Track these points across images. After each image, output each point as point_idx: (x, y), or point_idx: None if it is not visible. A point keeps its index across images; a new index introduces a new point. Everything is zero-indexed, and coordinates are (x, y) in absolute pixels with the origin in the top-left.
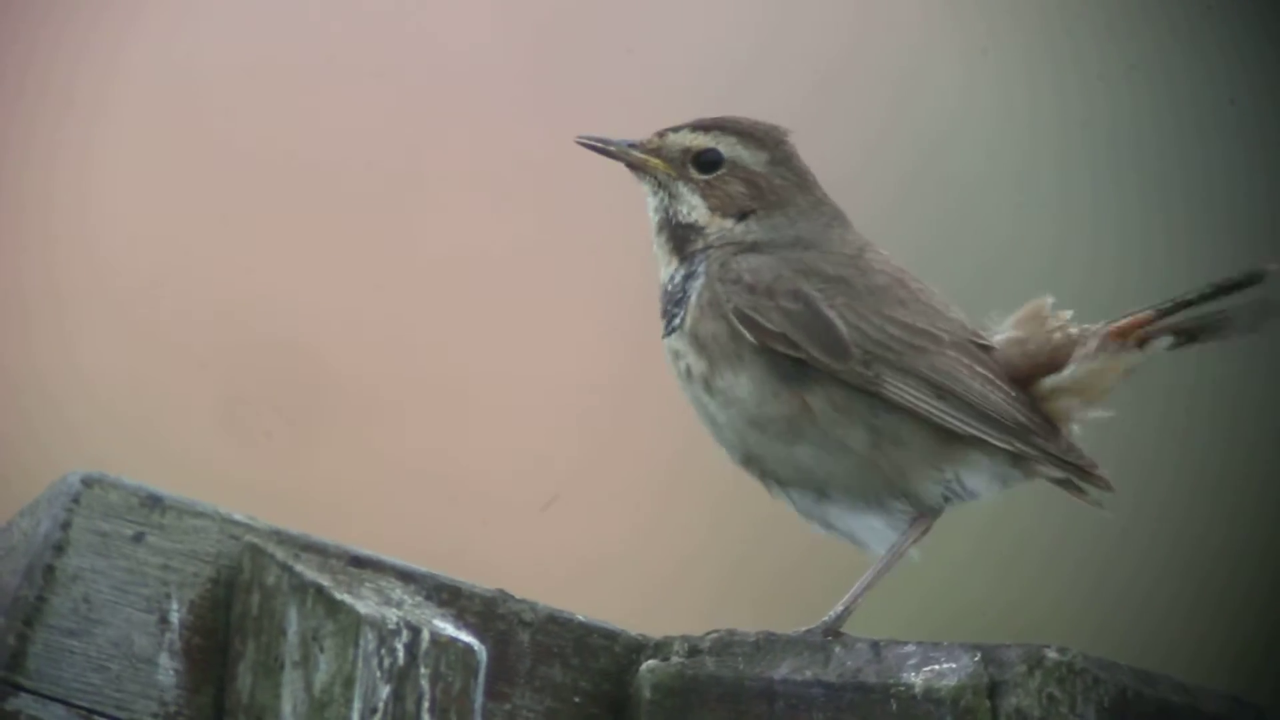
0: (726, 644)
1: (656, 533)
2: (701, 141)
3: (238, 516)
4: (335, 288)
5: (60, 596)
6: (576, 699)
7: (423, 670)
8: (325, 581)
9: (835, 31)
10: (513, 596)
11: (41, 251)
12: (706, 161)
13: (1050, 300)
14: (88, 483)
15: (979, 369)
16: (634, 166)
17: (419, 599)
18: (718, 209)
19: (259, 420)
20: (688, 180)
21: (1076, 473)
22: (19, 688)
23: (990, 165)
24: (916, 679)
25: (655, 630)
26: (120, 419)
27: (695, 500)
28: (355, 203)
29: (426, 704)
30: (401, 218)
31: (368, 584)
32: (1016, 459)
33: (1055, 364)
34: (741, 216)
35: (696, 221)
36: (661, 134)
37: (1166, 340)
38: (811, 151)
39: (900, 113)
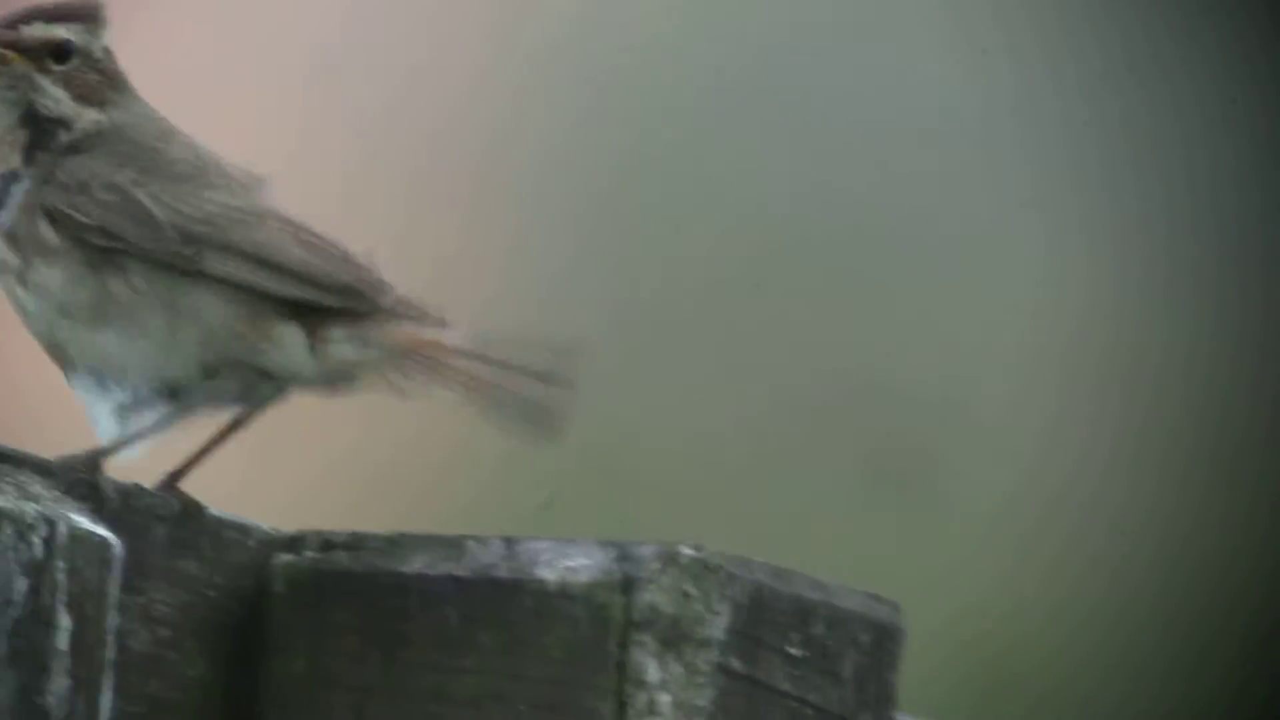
0: (360, 539)
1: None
2: (57, 32)
3: None
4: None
5: None
6: (211, 593)
7: (59, 564)
8: None
9: (833, 31)
10: (148, 490)
11: None
12: (63, 52)
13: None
14: None
15: (303, 237)
16: None
17: (57, 494)
18: (81, 99)
19: (259, 419)
20: (48, 72)
21: (406, 320)
22: None
23: (990, 165)
24: (550, 575)
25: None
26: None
27: None
28: (357, 201)
29: (63, 597)
30: (402, 217)
31: (6, 479)
32: (338, 329)
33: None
34: (101, 106)
35: (64, 115)
36: (11, 26)
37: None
38: (808, 148)
39: (899, 113)
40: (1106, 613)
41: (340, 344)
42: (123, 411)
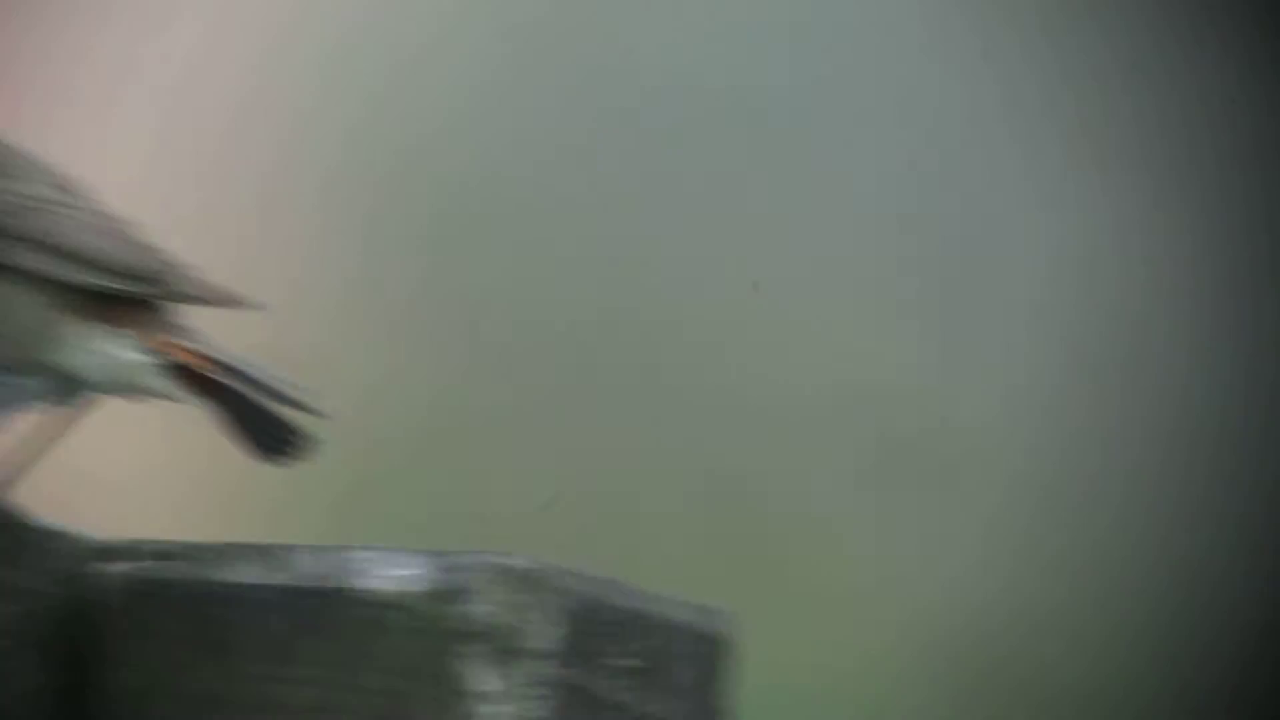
0: (189, 548)
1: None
2: None
3: None
4: (337, 290)
5: None
6: (40, 602)
7: None
8: None
9: (833, 32)
10: None
11: None
12: None
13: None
14: None
15: (98, 223)
16: None
17: None
18: None
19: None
20: None
21: (208, 304)
22: None
23: (990, 165)
24: (381, 585)
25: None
26: (118, 423)
27: None
28: (358, 202)
29: None
30: (402, 217)
31: None
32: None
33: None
34: None
35: None
36: None
37: (197, 399)
38: (812, 151)
39: (899, 113)
40: (1113, 615)
41: (115, 342)
42: None
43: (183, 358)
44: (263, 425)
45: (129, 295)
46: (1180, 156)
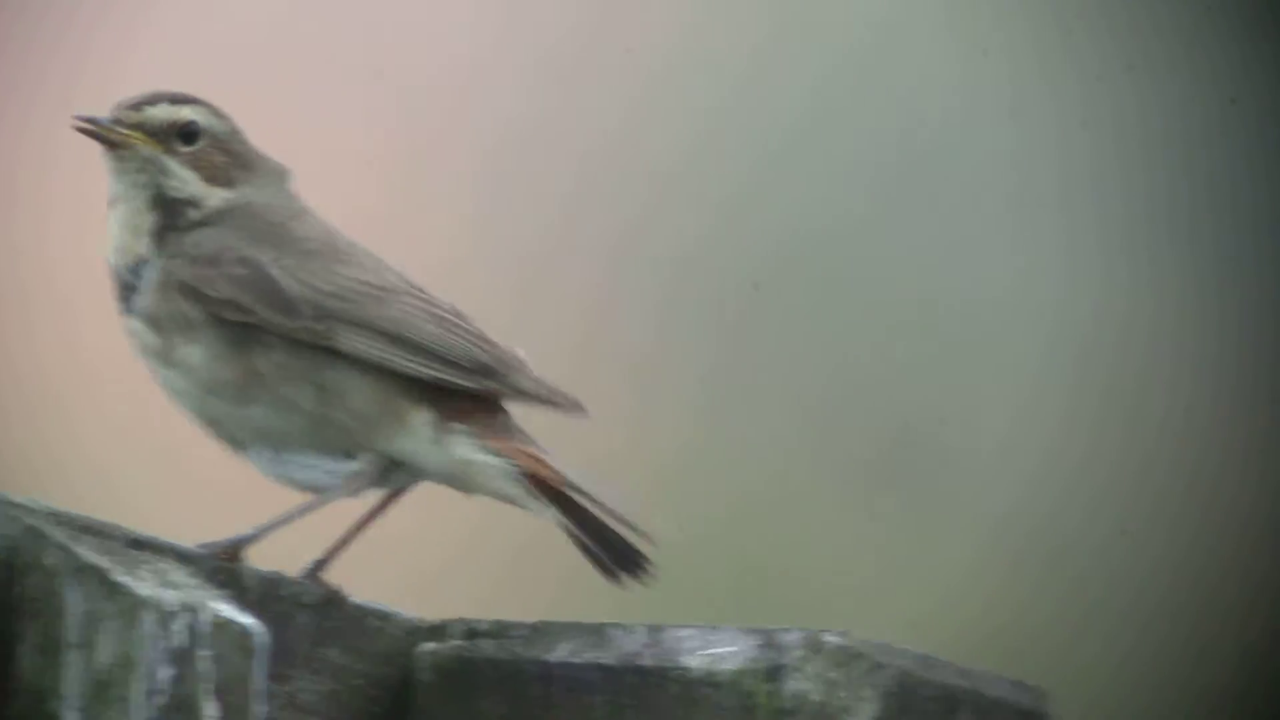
0: (504, 627)
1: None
2: (184, 114)
3: (16, 498)
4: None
5: None
6: (356, 681)
7: (203, 652)
8: (104, 563)
9: (835, 32)
10: (291, 578)
11: (42, 251)
12: (189, 134)
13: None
14: None
15: (435, 312)
16: (117, 145)
17: (198, 581)
18: (211, 180)
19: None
20: (175, 154)
21: (542, 404)
22: None
23: (990, 165)
24: (695, 662)
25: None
26: (120, 420)
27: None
28: (353, 204)
29: (208, 685)
30: (400, 219)
31: (146, 566)
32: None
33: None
34: (230, 186)
35: (193, 195)
36: (136, 108)
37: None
38: (816, 150)
39: (900, 113)
40: (1113, 618)
41: (460, 438)
42: (331, 473)
43: (536, 469)
44: (609, 543)
45: (467, 389)
46: (1180, 157)
